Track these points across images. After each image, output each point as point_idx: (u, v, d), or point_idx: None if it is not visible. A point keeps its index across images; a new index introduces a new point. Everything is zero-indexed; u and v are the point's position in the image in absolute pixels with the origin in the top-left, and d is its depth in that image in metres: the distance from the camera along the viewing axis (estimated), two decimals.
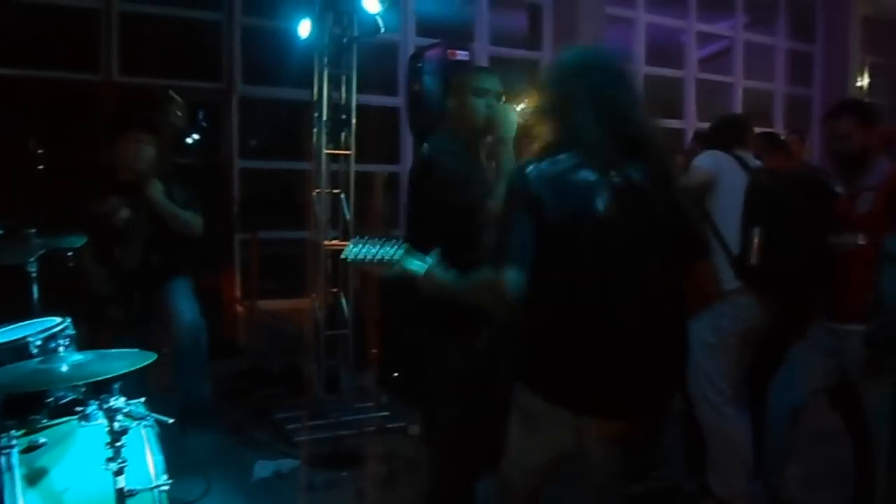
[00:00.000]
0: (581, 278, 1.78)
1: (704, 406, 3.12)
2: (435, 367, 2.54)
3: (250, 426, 4.24)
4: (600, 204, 1.77)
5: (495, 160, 2.46)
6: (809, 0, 8.88)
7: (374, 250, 1.92)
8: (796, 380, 2.93)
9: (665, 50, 7.99)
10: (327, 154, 4.64)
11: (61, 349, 2.25)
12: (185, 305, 3.72)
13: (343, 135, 4.69)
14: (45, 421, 2.28)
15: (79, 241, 3.11)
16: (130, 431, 2.11)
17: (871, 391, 2.64)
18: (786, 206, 2.96)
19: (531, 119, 2.14)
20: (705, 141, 3.60)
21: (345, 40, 4.64)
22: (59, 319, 2.65)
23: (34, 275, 2.92)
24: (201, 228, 3.75)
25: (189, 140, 5.91)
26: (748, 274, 2.96)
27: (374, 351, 4.90)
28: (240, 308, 5.91)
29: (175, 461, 2.38)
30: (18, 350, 2.44)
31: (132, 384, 2.31)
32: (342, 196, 4.72)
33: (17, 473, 2.06)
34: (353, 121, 4.69)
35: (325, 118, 4.58)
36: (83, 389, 2.47)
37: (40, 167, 5.43)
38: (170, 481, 2.24)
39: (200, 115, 5.99)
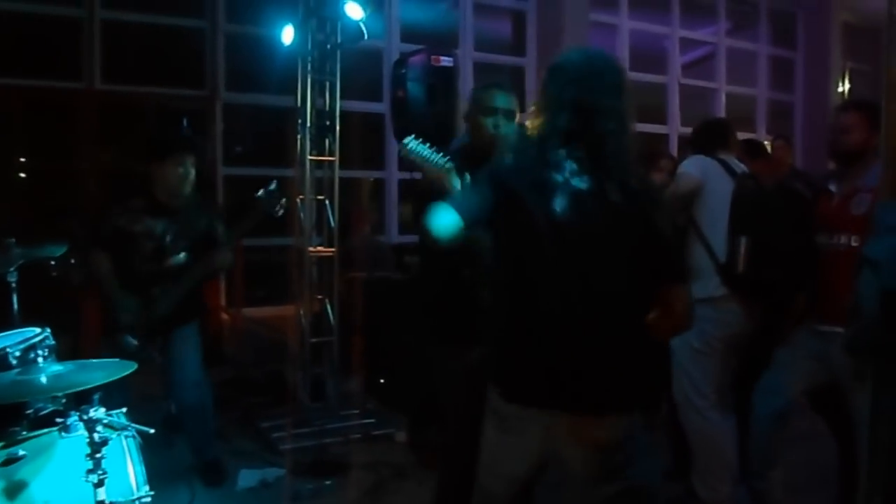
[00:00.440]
0: (537, 279, 1.83)
1: (689, 410, 3.14)
2: (434, 373, 2.56)
3: (235, 435, 4.22)
4: (558, 205, 1.80)
5: None
6: (791, 7, 8.98)
7: (429, 152, 2.07)
8: (781, 384, 2.94)
9: (649, 55, 8.05)
10: (311, 160, 4.64)
11: (40, 360, 2.23)
12: (189, 358, 3.53)
13: (327, 141, 4.70)
14: (24, 433, 2.25)
15: (59, 250, 3.06)
16: (111, 442, 2.09)
17: (859, 394, 2.65)
18: (771, 214, 2.98)
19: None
20: (689, 145, 3.62)
21: (328, 47, 4.65)
22: (38, 330, 2.61)
23: (14, 285, 2.88)
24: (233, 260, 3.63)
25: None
26: (735, 282, 2.98)
27: (360, 358, 4.89)
28: (224, 316, 5.87)
29: (159, 471, 2.36)
30: None
31: (114, 394, 2.29)
32: (327, 202, 4.72)
33: None
34: (338, 127, 4.69)
35: (308, 125, 4.58)
36: (63, 400, 2.45)
37: (21, 175, 5.39)
38: (151, 493, 2.22)
39: (184, 122, 5.97)
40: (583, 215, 1.81)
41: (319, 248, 4.69)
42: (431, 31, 6.81)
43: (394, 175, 6.73)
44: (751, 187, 3.05)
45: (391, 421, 4.32)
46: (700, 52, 8.63)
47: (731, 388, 3.16)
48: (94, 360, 2.30)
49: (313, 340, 4.63)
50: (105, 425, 2.10)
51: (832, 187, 2.92)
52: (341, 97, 4.72)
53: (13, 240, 2.89)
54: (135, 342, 3.33)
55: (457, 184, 1.98)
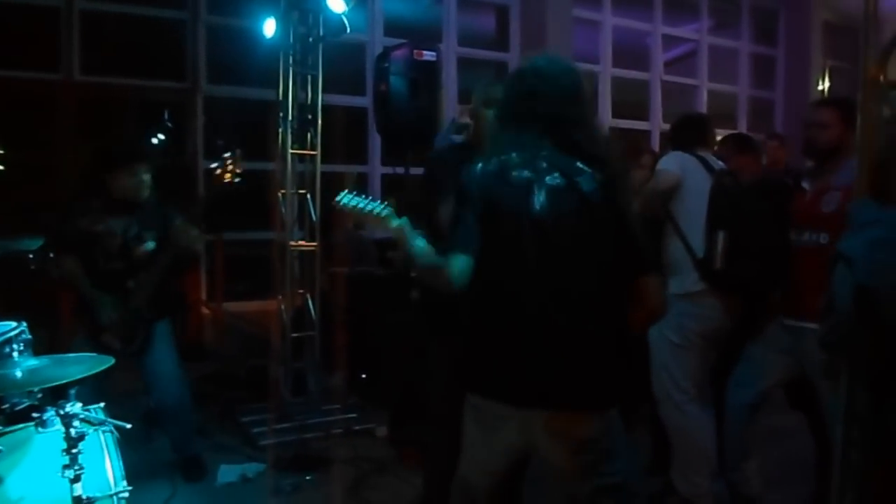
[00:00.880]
0: (510, 274, 1.86)
1: (668, 405, 3.16)
2: (427, 363, 2.58)
3: (216, 430, 4.19)
4: (535, 202, 1.84)
5: None
6: (772, 5, 9.05)
7: (364, 202, 2.02)
8: (752, 377, 2.97)
9: (631, 52, 8.09)
10: (293, 154, 4.61)
11: (16, 354, 2.20)
12: (166, 353, 3.48)
13: (309, 135, 4.67)
14: (0, 428, 2.22)
15: (35, 243, 3.03)
16: (88, 437, 2.07)
17: (831, 391, 2.68)
18: (748, 209, 3.00)
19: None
20: (667, 141, 3.63)
21: (310, 40, 4.62)
22: (13, 324, 2.57)
23: None
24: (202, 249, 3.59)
25: (154, 140, 5.84)
26: (713, 277, 3.00)
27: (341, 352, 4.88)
28: (205, 310, 5.84)
29: (139, 466, 2.34)
30: None
31: (91, 389, 2.27)
32: (308, 196, 4.70)
33: None
34: (320, 121, 4.66)
35: (290, 118, 4.55)
36: (39, 395, 2.42)
37: None
38: (129, 488, 2.20)
39: (165, 114, 5.92)
40: (557, 211, 1.84)
41: (301, 243, 4.67)
42: (415, 25, 6.81)
43: (377, 169, 6.72)
44: (728, 183, 3.06)
45: (373, 416, 4.32)
46: (682, 49, 8.69)
47: (710, 383, 3.19)
48: (71, 355, 2.28)
49: (295, 335, 4.61)
50: (82, 420, 2.08)
51: (805, 184, 2.95)
52: (323, 91, 4.69)
53: None
54: (117, 344, 3.31)
55: (397, 224, 1.96)
